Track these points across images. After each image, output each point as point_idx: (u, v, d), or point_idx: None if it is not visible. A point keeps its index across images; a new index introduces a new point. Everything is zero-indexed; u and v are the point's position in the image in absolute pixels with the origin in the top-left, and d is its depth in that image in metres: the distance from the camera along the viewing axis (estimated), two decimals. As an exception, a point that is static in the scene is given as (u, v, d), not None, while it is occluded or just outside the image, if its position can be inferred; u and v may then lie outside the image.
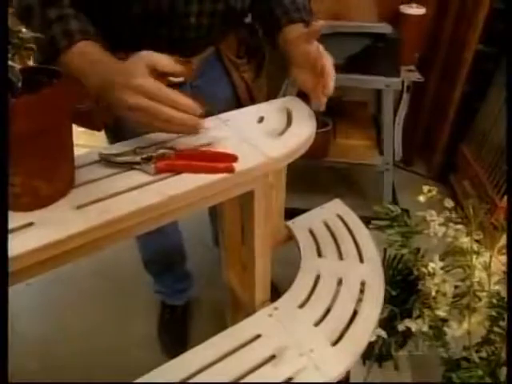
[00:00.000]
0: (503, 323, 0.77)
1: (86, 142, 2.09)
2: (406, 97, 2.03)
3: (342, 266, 0.94)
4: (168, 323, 1.49)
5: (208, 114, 0.73)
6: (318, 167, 2.00)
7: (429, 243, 0.93)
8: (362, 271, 0.93)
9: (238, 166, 0.61)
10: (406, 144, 2.21)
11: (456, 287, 0.87)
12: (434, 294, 0.85)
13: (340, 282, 0.90)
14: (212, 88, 0.98)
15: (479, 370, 0.75)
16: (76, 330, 1.49)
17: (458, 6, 1.91)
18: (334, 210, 1.11)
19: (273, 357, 0.75)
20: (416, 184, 2.15)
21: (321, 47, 0.75)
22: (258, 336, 0.79)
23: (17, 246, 0.48)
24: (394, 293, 0.97)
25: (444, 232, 0.90)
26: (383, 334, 0.87)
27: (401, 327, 0.91)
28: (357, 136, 1.90)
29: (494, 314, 0.79)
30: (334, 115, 1.91)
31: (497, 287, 0.82)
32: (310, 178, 2.09)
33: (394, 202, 1.91)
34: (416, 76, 1.77)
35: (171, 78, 0.89)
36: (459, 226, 0.89)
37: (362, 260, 0.96)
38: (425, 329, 0.84)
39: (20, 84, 0.47)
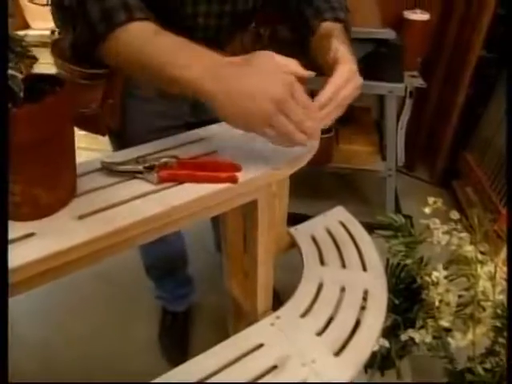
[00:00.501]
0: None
1: (87, 145, 2.09)
2: (408, 102, 2.03)
3: (344, 275, 0.93)
4: (169, 329, 1.49)
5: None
6: (321, 173, 1.99)
7: (432, 251, 0.92)
8: (364, 280, 0.92)
9: (241, 176, 0.61)
10: (408, 149, 2.21)
11: (460, 296, 0.86)
12: (437, 303, 0.85)
13: (343, 291, 0.90)
14: None
15: (484, 382, 0.75)
16: (77, 334, 1.48)
17: (461, 12, 1.91)
18: (336, 217, 1.10)
19: (275, 367, 0.75)
20: (418, 189, 2.15)
21: (341, 50, 0.67)
22: (261, 345, 0.79)
23: (18, 257, 0.47)
24: (396, 301, 0.96)
25: (448, 240, 0.90)
26: (386, 343, 0.86)
27: (404, 337, 0.91)
28: (360, 142, 1.90)
29: (498, 324, 0.78)
30: (337, 121, 1.90)
31: (501, 297, 0.81)
32: (312, 183, 2.09)
33: (397, 207, 1.91)
34: (419, 82, 1.76)
35: None
36: (463, 235, 0.88)
37: (364, 268, 0.95)
38: (428, 339, 0.84)
39: (22, 93, 0.47)
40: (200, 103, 0.96)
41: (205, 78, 0.56)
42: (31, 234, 0.51)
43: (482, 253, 0.80)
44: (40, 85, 0.53)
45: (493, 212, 1.65)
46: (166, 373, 0.73)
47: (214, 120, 0.79)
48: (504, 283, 0.81)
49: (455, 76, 1.96)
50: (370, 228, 1.08)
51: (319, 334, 0.81)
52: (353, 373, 0.74)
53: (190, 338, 1.47)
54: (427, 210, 0.82)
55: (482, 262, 0.82)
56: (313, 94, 0.63)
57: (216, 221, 1.20)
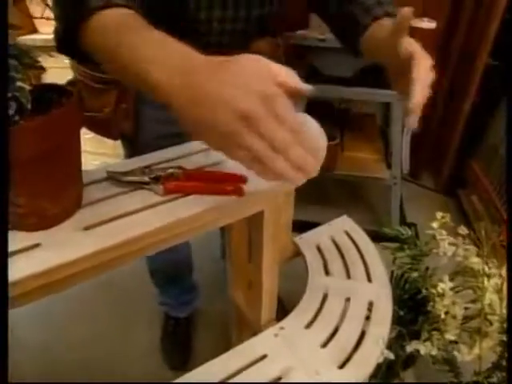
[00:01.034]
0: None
1: (92, 148, 2.09)
2: (414, 110, 2.02)
3: (349, 285, 0.93)
4: (171, 335, 1.48)
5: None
6: (326, 180, 1.99)
7: (437, 262, 0.91)
8: (369, 291, 0.91)
9: (247, 188, 0.60)
10: (414, 157, 2.19)
11: (466, 309, 0.85)
12: (443, 316, 0.84)
13: (347, 302, 0.89)
14: None
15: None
16: (78, 338, 1.48)
17: (468, 20, 1.90)
18: (341, 227, 1.10)
19: (279, 378, 0.74)
20: (424, 197, 2.14)
21: (415, 44, 0.61)
22: (264, 356, 0.78)
23: (22, 268, 0.47)
24: (401, 312, 0.96)
25: (454, 251, 0.89)
26: (391, 355, 0.85)
27: (409, 349, 0.90)
28: (365, 149, 1.89)
29: (505, 339, 0.77)
30: (342, 128, 1.90)
31: (508, 311, 0.80)
32: (317, 190, 2.08)
33: (402, 215, 1.90)
34: (426, 90, 1.75)
35: None
36: (469, 246, 0.87)
37: (369, 279, 0.95)
38: (434, 352, 0.83)
39: (29, 105, 0.47)
40: None
41: (168, 79, 0.45)
42: (37, 245, 0.51)
43: (488, 266, 0.79)
44: (48, 94, 0.53)
45: (499, 222, 1.64)
46: (167, 379, 0.73)
47: None
48: None
49: (462, 84, 1.95)
50: (375, 236, 1.07)
51: (323, 345, 0.80)
52: (357, 386, 0.74)
53: (192, 344, 1.47)
54: (435, 225, 0.81)
55: (488, 276, 0.81)
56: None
57: (224, 229, 1.20)
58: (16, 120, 0.46)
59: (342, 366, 0.76)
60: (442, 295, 0.85)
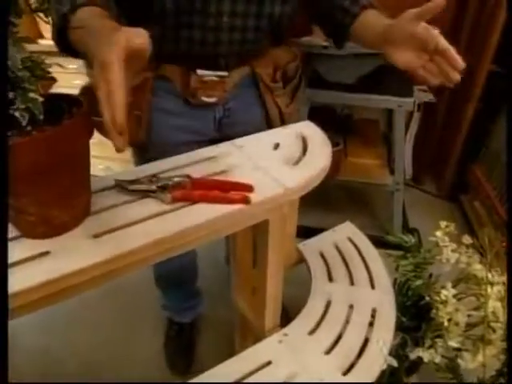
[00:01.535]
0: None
1: (96, 152, 2.11)
2: (416, 115, 2.03)
3: (353, 292, 0.93)
4: (175, 339, 1.48)
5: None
6: (329, 185, 1.99)
7: (440, 268, 0.92)
8: (373, 298, 0.92)
9: (254, 197, 0.61)
10: (416, 162, 2.20)
11: (469, 316, 0.86)
12: (446, 323, 0.84)
13: (351, 308, 0.89)
14: (244, 111, 0.98)
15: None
16: (80, 343, 1.49)
17: (471, 26, 1.91)
18: (345, 233, 1.10)
19: (283, 385, 0.75)
20: (426, 203, 2.14)
21: (429, 26, 0.72)
22: (269, 363, 0.79)
23: (33, 276, 0.48)
24: (404, 319, 0.96)
25: (457, 258, 0.89)
26: (394, 363, 0.85)
27: (412, 356, 0.90)
28: (368, 155, 1.90)
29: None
30: (345, 134, 1.91)
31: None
32: (320, 196, 2.08)
33: (405, 221, 1.90)
34: (429, 96, 1.76)
35: (204, 98, 0.90)
36: (472, 252, 0.88)
37: (373, 286, 0.95)
38: (437, 360, 0.83)
39: (42, 116, 0.48)
40: (226, 119, 0.97)
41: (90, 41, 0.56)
42: (46, 253, 0.52)
43: (492, 273, 0.80)
44: (57, 103, 0.54)
45: (501, 227, 1.64)
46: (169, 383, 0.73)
47: (238, 135, 0.80)
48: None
49: (464, 90, 1.96)
50: (377, 242, 1.07)
51: (327, 352, 0.81)
52: (361, 393, 0.74)
53: (195, 349, 1.47)
54: (439, 234, 0.82)
55: (491, 283, 0.81)
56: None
57: (229, 235, 1.21)
58: (28, 130, 0.47)
59: (345, 373, 0.77)
60: (445, 302, 0.86)
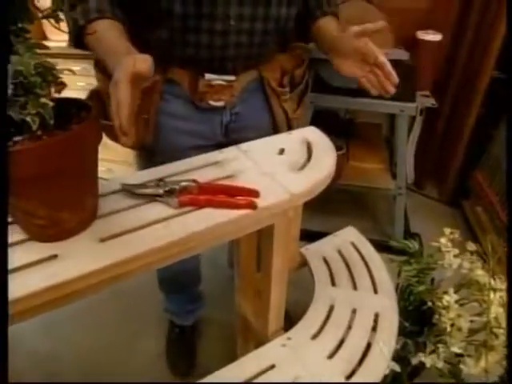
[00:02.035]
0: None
1: (103, 155, 2.11)
2: (419, 120, 2.04)
3: (355, 297, 0.94)
4: (176, 342, 1.48)
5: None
6: (331, 189, 1.99)
7: (443, 274, 0.92)
8: (375, 302, 0.92)
9: (260, 202, 0.61)
10: (418, 167, 2.21)
11: (471, 322, 0.86)
12: (449, 328, 0.84)
13: (354, 313, 0.90)
14: (251, 116, 0.98)
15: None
16: (83, 346, 1.49)
17: (474, 32, 1.92)
18: (347, 238, 1.11)
19: (286, 389, 0.75)
20: (428, 207, 2.14)
21: (369, 42, 0.79)
22: (272, 366, 0.79)
23: (41, 279, 0.48)
24: (406, 324, 0.96)
25: (459, 263, 0.89)
26: (397, 367, 0.86)
27: (415, 361, 0.90)
28: (370, 159, 1.90)
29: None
30: (348, 138, 1.91)
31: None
32: (322, 200, 2.08)
33: (406, 226, 1.90)
34: (431, 102, 1.77)
35: (211, 102, 0.91)
36: (475, 258, 0.88)
37: (375, 290, 0.96)
38: (440, 365, 0.83)
39: (52, 121, 0.48)
40: (233, 124, 0.98)
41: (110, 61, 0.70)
42: (54, 256, 0.52)
43: (494, 280, 0.80)
44: (66, 107, 0.54)
45: (503, 232, 1.65)
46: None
47: (244, 140, 0.81)
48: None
49: (467, 96, 1.96)
50: (379, 246, 1.08)
51: (330, 356, 0.81)
52: (364, 397, 0.75)
53: (196, 352, 1.47)
54: (443, 241, 0.82)
55: (494, 289, 0.82)
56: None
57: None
58: (39, 135, 0.47)
59: (348, 377, 0.77)
60: (447, 308, 0.86)
